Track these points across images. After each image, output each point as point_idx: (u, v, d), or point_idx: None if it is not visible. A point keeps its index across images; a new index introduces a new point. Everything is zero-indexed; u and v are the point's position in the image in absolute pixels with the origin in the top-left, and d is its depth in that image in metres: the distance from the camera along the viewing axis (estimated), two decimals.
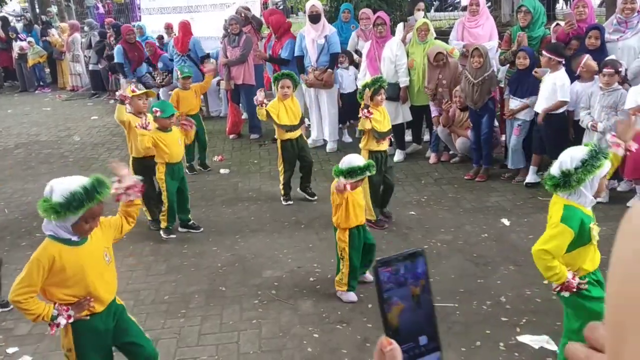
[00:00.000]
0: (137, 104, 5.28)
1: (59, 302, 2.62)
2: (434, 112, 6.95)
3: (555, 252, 2.78)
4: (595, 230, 2.82)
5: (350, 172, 3.85)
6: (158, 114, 5.03)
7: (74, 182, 2.54)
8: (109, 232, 2.81)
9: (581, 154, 2.75)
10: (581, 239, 2.80)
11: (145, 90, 5.56)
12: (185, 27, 9.31)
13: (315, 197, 6.09)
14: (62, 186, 2.53)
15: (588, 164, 2.71)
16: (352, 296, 4.09)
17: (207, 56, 9.52)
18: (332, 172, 3.97)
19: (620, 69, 5.38)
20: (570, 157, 2.78)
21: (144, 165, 5.40)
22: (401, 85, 6.85)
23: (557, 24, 6.77)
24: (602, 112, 5.37)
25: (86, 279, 2.63)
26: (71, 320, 2.63)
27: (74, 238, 2.61)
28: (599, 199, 3.14)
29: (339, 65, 7.61)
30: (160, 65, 9.60)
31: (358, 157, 4.03)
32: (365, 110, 4.96)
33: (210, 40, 10.25)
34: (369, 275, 4.29)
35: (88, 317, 2.67)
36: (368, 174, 3.93)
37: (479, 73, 6.05)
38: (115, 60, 9.48)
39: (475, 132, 6.35)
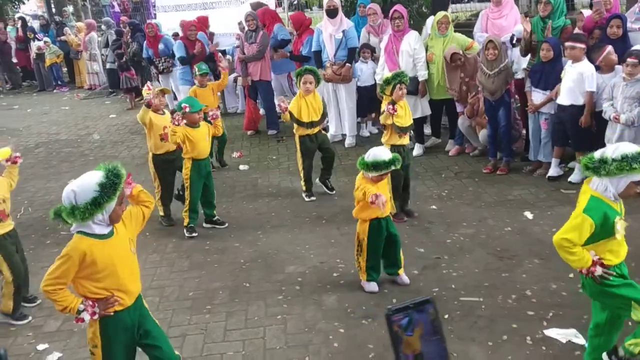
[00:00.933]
0: (154, 102, 5.32)
1: (90, 295, 2.67)
2: (459, 108, 6.91)
3: (575, 241, 2.77)
4: (620, 224, 2.77)
5: (375, 166, 3.84)
6: (187, 109, 5.07)
7: (91, 177, 2.58)
8: (131, 223, 2.85)
9: (627, 150, 2.69)
10: (604, 231, 2.76)
11: (161, 88, 5.59)
12: (197, 24, 9.32)
13: (334, 192, 6.09)
14: (83, 185, 2.56)
15: (626, 161, 2.65)
16: (372, 286, 4.10)
17: (223, 53, 9.55)
18: (357, 164, 3.96)
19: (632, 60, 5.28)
20: (616, 148, 2.73)
21: (163, 161, 5.46)
22: (420, 79, 6.81)
23: (580, 12, 6.69)
24: (624, 103, 5.30)
25: (116, 271, 2.68)
26: (95, 317, 2.67)
27: (104, 231, 2.66)
28: None
29: (360, 58, 7.59)
30: (161, 47, 9.63)
31: (384, 150, 4.00)
32: (390, 107, 4.94)
33: (225, 36, 10.28)
34: (403, 277, 4.23)
35: (112, 314, 2.71)
36: (393, 168, 3.91)
37: (495, 64, 6.01)
38: (177, 55, 8.89)
39: (491, 125, 6.30)
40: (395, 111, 4.93)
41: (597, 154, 2.76)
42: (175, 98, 9.52)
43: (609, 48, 5.49)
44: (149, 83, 5.81)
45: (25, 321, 4.08)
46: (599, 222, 2.73)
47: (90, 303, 2.66)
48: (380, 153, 3.91)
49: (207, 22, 9.95)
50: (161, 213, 5.62)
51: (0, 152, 4.01)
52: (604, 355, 2.99)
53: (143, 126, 5.48)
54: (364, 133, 8.15)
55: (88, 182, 2.56)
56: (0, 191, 3.95)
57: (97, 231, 2.63)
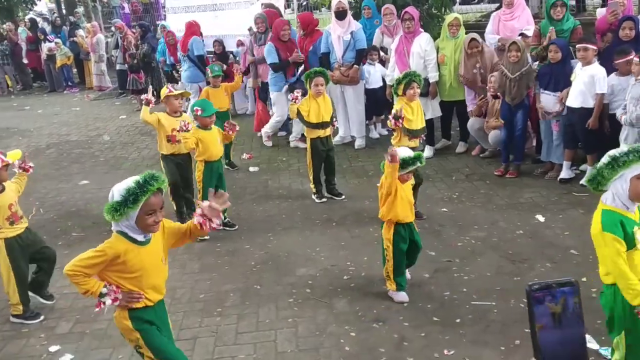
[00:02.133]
0: (173, 104, 5.33)
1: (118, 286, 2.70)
2: (469, 106, 6.88)
3: (619, 266, 2.61)
4: (638, 233, 2.67)
5: (402, 164, 3.80)
6: (199, 112, 5.08)
7: (129, 180, 2.63)
8: (169, 239, 2.85)
9: (613, 151, 2.66)
10: (627, 243, 2.65)
11: (181, 91, 5.61)
12: (190, 28, 9.45)
13: (343, 197, 6.07)
14: (120, 187, 2.62)
15: (614, 160, 2.61)
16: (402, 296, 4.03)
17: (227, 56, 9.55)
18: (381, 166, 3.93)
19: None
20: (607, 154, 2.71)
21: (173, 162, 5.47)
22: (430, 81, 6.80)
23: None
24: (630, 103, 5.25)
25: (143, 279, 2.71)
26: (116, 304, 2.68)
27: (140, 238, 2.69)
28: None
29: (367, 60, 7.58)
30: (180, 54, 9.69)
31: (405, 149, 3.99)
32: (394, 121, 4.94)
33: (235, 38, 10.29)
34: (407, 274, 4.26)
35: (132, 306, 2.74)
36: (419, 164, 3.88)
37: (517, 68, 5.96)
38: (269, 62, 7.72)
39: (507, 128, 6.24)
40: (400, 124, 4.93)
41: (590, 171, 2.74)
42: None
43: (635, 57, 5.34)
44: (169, 85, 5.82)
45: (38, 320, 4.09)
46: (621, 234, 2.63)
47: (114, 288, 2.67)
48: (403, 151, 3.90)
49: (194, 27, 9.81)
50: (175, 208, 5.62)
51: (12, 153, 4.03)
52: None
53: (152, 127, 5.50)
54: (374, 135, 8.13)
55: (123, 184, 2.61)
56: (9, 196, 3.96)
57: (132, 235, 2.67)
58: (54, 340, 3.86)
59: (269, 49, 7.71)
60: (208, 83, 7.37)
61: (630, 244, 2.65)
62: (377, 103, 7.84)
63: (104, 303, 2.66)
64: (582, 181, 5.76)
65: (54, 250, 4.35)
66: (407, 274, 4.25)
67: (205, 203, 2.67)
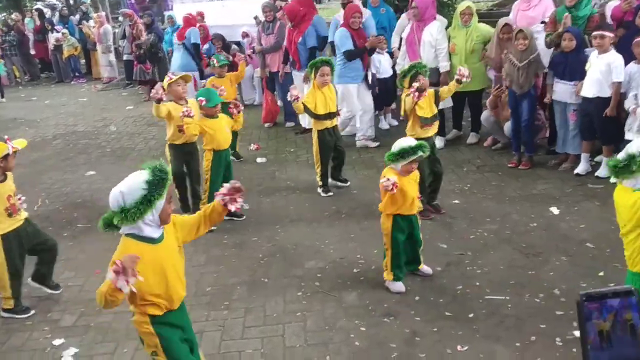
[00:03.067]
0: (175, 90, 5.23)
1: (142, 300, 2.55)
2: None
3: None
4: None
5: (402, 154, 3.72)
6: (203, 103, 4.98)
7: (136, 176, 2.48)
8: (181, 232, 2.74)
9: None
10: None
11: (181, 75, 5.48)
12: (188, 21, 9.47)
13: (348, 183, 6.00)
14: (130, 185, 2.46)
15: None
16: (399, 286, 3.97)
17: (230, 48, 9.44)
18: (385, 158, 3.83)
19: None
20: (638, 144, 2.61)
21: (180, 151, 5.39)
22: (441, 71, 6.66)
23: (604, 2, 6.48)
24: None
25: (167, 277, 2.57)
26: (132, 282, 2.33)
27: (155, 234, 2.55)
28: None
29: (377, 50, 7.43)
30: (206, 47, 9.63)
31: (409, 139, 3.89)
32: (413, 89, 4.74)
33: (241, 28, 10.17)
34: (425, 269, 4.16)
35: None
36: (421, 154, 3.76)
37: (524, 56, 5.82)
38: (344, 49, 6.85)
39: (514, 118, 6.13)
40: (420, 98, 4.76)
41: (621, 155, 2.63)
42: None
43: None
44: (170, 73, 5.72)
45: (28, 315, 4.02)
46: None
47: (116, 266, 2.34)
48: (405, 141, 3.82)
49: (192, 20, 9.80)
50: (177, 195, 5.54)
51: (18, 141, 3.95)
52: None
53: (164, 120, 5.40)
54: (383, 125, 8.00)
55: (135, 181, 2.47)
56: (9, 187, 3.88)
57: (148, 233, 2.52)
58: (58, 333, 3.79)
59: (343, 34, 6.88)
60: (202, 73, 7.29)
61: None
62: (387, 93, 7.71)
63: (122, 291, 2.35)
64: (600, 172, 5.63)
65: (54, 240, 4.26)
66: (428, 269, 4.16)
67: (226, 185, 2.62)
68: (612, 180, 2.81)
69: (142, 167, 2.54)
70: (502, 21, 6.43)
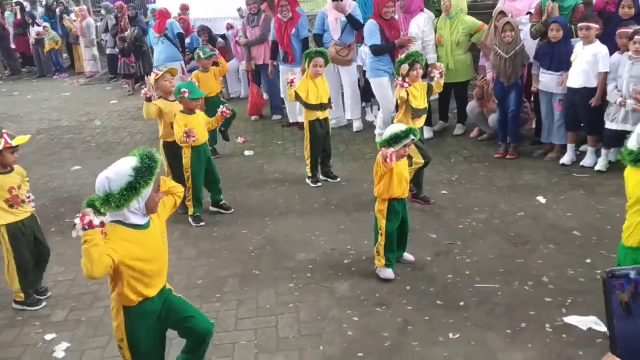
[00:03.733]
0: (163, 86, 5.20)
1: (128, 281, 2.55)
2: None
3: None
4: None
5: (394, 139, 3.73)
6: (186, 94, 4.95)
7: (124, 162, 2.47)
8: (163, 212, 2.75)
9: None
10: None
11: (166, 69, 5.44)
12: (162, 14, 9.25)
13: (338, 179, 5.99)
14: (117, 171, 2.45)
15: None
16: (389, 273, 4.01)
17: (216, 41, 9.38)
18: (377, 145, 3.85)
19: None
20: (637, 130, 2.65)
21: (174, 148, 5.34)
22: (429, 62, 6.68)
23: None
24: (630, 82, 5.18)
25: (149, 264, 2.57)
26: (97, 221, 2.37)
27: (141, 221, 2.54)
28: None
29: (364, 42, 7.42)
30: (187, 41, 9.54)
31: (398, 124, 3.92)
32: (401, 79, 4.81)
33: (226, 20, 10.11)
34: (407, 256, 4.21)
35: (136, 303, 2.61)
36: (412, 137, 3.78)
37: (510, 47, 5.87)
38: (370, 43, 6.62)
39: (501, 108, 6.19)
40: (407, 83, 4.81)
41: (633, 145, 2.66)
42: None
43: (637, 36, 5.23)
44: (155, 69, 5.68)
45: (40, 307, 4.01)
46: None
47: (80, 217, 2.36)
48: (396, 126, 3.85)
49: (164, 12, 9.60)
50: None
51: (20, 138, 3.91)
52: None
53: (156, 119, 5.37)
54: (370, 117, 8.02)
55: (122, 167, 2.45)
56: (12, 180, 3.84)
57: (134, 221, 2.51)
58: (49, 328, 3.77)
59: (371, 27, 6.51)
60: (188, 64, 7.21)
61: None
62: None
63: (94, 224, 2.35)
64: (585, 161, 5.70)
65: (49, 248, 4.19)
66: (410, 256, 4.21)
67: None
68: (597, 168, 2.84)
69: (131, 153, 2.52)
70: (497, 9, 6.46)
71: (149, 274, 2.60)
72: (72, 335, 3.67)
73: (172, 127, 5.13)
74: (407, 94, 4.88)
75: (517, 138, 6.27)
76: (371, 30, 6.53)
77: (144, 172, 2.43)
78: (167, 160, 5.31)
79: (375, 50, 6.57)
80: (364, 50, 7.39)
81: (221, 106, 5.31)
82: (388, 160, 3.67)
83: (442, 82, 5.17)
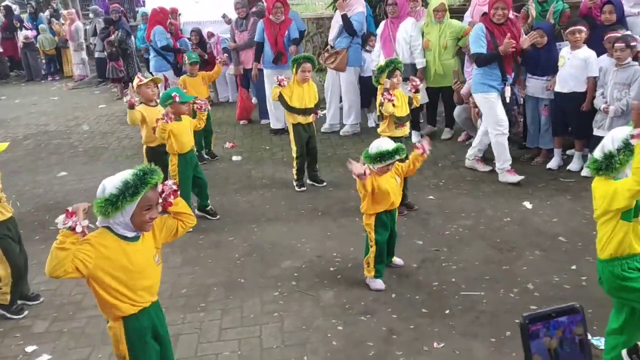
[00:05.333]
0: (145, 92, 5.19)
1: (107, 289, 2.49)
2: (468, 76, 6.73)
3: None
4: None
5: (380, 157, 3.70)
6: (177, 99, 4.92)
7: (125, 173, 2.45)
8: (161, 234, 2.68)
9: (623, 134, 2.61)
10: (627, 212, 2.64)
11: (152, 78, 5.43)
12: (155, 17, 8.95)
13: (324, 184, 5.98)
14: (114, 180, 2.43)
15: (630, 144, 2.55)
16: (379, 284, 3.99)
17: (206, 44, 9.33)
18: (362, 157, 3.82)
19: (633, 44, 5.16)
20: (612, 138, 2.65)
21: (157, 153, 5.33)
22: (418, 67, 6.68)
23: None
24: (614, 89, 5.21)
25: (133, 280, 2.51)
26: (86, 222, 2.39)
27: (130, 234, 2.51)
28: None
29: (365, 47, 7.40)
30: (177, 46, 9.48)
31: (387, 141, 3.85)
32: (386, 93, 4.80)
33: (215, 24, 10.09)
34: (397, 260, 4.21)
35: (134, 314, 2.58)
36: (397, 157, 3.74)
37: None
38: (474, 50, 5.52)
39: None
40: (392, 96, 4.80)
41: (597, 155, 2.66)
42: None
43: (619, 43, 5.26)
44: (139, 74, 5.66)
45: (22, 315, 3.96)
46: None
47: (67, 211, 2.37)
48: (383, 143, 3.78)
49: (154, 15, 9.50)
50: None
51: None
52: (624, 353, 2.90)
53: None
54: (371, 123, 7.95)
55: (118, 177, 2.43)
56: None
57: (121, 232, 2.48)
58: (30, 339, 3.72)
59: (477, 32, 5.48)
60: (180, 71, 7.20)
61: (635, 212, 2.65)
62: (372, 91, 7.71)
63: (76, 230, 2.35)
64: (572, 166, 5.71)
65: (26, 254, 4.13)
66: (399, 261, 4.21)
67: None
68: (583, 173, 2.84)
69: (137, 167, 2.49)
70: (482, 11, 6.45)
71: (131, 287, 2.53)
72: (53, 347, 3.63)
73: (154, 132, 5.12)
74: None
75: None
76: (476, 36, 5.47)
77: (128, 189, 2.39)
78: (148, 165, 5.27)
79: (478, 61, 5.54)
80: (364, 56, 7.30)
81: (195, 99, 5.24)
82: (363, 174, 3.64)
83: (419, 97, 5.15)
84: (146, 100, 5.21)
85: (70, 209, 2.37)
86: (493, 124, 5.62)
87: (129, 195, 2.38)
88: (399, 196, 4.03)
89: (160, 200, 2.59)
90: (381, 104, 4.89)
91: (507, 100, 5.54)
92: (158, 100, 5.32)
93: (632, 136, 2.52)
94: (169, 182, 2.67)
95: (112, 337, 2.63)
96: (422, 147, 3.86)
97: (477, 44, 5.45)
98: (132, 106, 5.05)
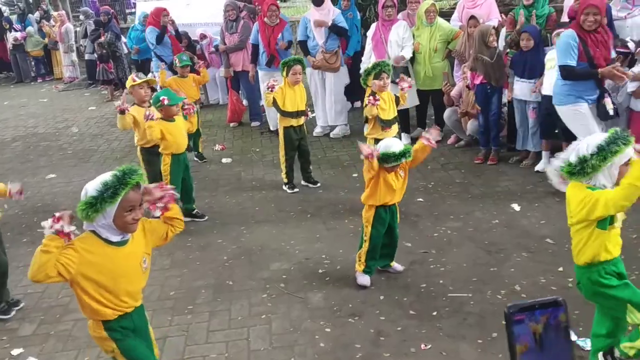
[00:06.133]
0: (138, 93, 5.18)
1: (89, 294, 2.47)
2: (457, 80, 6.78)
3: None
4: (619, 214, 2.68)
5: (386, 158, 3.67)
6: (166, 102, 4.92)
7: (105, 175, 2.44)
8: (151, 238, 2.66)
9: (598, 140, 2.63)
10: (603, 221, 2.66)
11: (146, 79, 5.42)
12: (149, 20, 8.90)
13: (319, 184, 5.99)
14: (94, 182, 2.41)
15: (604, 151, 2.58)
16: (365, 280, 4.00)
17: (195, 47, 9.31)
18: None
19: (621, 50, 5.20)
20: (587, 143, 2.67)
21: (150, 154, 5.33)
22: (402, 53, 6.65)
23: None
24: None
25: (117, 284, 2.49)
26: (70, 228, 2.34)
27: (113, 238, 2.48)
28: None
29: None
30: None
31: (396, 142, 3.79)
32: (372, 97, 4.82)
33: (207, 26, 10.08)
34: (396, 266, 4.19)
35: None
36: (404, 160, 3.70)
37: (493, 52, 5.94)
38: (561, 62, 4.91)
39: (483, 113, 6.21)
40: (378, 100, 4.82)
41: (572, 158, 2.68)
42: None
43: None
44: (134, 74, 5.64)
45: (10, 315, 3.94)
46: None
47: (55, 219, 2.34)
48: (391, 144, 3.72)
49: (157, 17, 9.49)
50: None
51: None
52: (600, 355, 2.92)
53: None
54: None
55: (98, 179, 2.41)
56: None
57: (105, 236, 2.45)
58: (17, 342, 3.69)
59: (567, 41, 4.88)
60: (173, 71, 7.18)
61: (610, 219, 2.67)
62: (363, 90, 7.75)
63: (64, 233, 2.34)
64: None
65: (6, 259, 4.08)
66: (399, 266, 4.19)
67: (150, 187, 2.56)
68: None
69: (118, 168, 2.47)
70: (468, 14, 6.50)
71: (115, 292, 2.52)
72: (40, 350, 3.61)
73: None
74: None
75: (498, 142, 6.32)
76: (567, 46, 4.88)
77: (107, 190, 2.37)
78: (144, 166, 5.28)
79: (568, 75, 4.92)
80: None
81: (183, 102, 5.22)
82: (370, 156, 3.61)
83: (406, 95, 5.20)
84: (139, 101, 5.21)
85: (57, 214, 2.35)
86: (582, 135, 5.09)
87: (108, 196, 2.36)
88: (402, 191, 4.01)
89: (160, 205, 2.58)
90: (366, 105, 4.91)
91: (611, 112, 4.90)
92: (151, 102, 5.31)
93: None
94: (169, 188, 2.64)
95: (94, 338, 2.63)
96: (428, 138, 3.77)
97: (567, 54, 4.88)
98: (122, 112, 5.04)
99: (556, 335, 1.01)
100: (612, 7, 5.85)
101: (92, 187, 2.40)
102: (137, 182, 2.46)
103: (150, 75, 5.47)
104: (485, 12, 6.60)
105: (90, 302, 2.49)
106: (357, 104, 8.40)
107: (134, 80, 5.27)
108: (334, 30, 7.19)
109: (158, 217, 2.68)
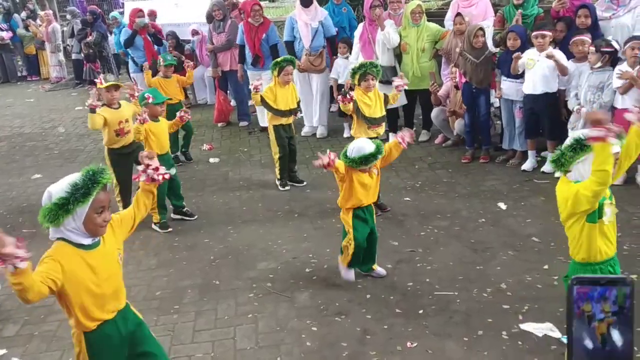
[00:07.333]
0: (105, 96, 5.17)
1: (73, 304, 2.39)
2: (444, 80, 6.80)
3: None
4: (608, 207, 2.71)
5: (364, 160, 3.69)
6: (150, 100, 4.90)
7: (70, 177, 2.35)
8: (120, 231, 2.59)
9: (579, 134, 2.68)
10: (591, 214, 2.69)
11: (113, 82, 5.42)
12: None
13: (304, 183, 6.01)
14: (59, 185, 2.33)
15: (577, 142, 2.64)
16: (350, 275, 4.02)
17: (183, 47, 9.29)
18: (342, 157, 3.79)
19: (606, 49, 5.25)
20: (569, 138, 2.72)
21: (119, 155, 5.32)
22: (392, 42, 6.66)
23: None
24: (588, 91, 5.31)
25: (102, 286, 2.42)
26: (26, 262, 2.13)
27: (84, 241, 2.39)
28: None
29: (338, 54, 7.39)
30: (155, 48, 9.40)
31: (366, 142, 3.80)
32: (341, 97, 4.88)
33: (195, 26, 10.03)
34: (379, 270, 4.16)
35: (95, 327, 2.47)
36: (380, 157, 3.73)
37: (481, 52, 5.96)
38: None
39: (470, 113, 6.24)
40: (350, 100, 4.85)
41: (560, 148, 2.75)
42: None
43: (591, 46, 5.38)
44: (101, 77, 5.62)
45: None
46: None
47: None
48: (364, 146, 3.74)
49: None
50: (120, 209, 5.43)
51: None
52: None
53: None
54: (346, 133, 7.88)
55: (64, 182, 2.32)
56: None
57: (75, 240, 2.36)
58: (0, 343, 3.66)
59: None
60: (154, 73, 7.16)
61: (599, 213, 2.70)
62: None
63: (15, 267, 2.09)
64: (545, 167, 5.78)
65: None
66: (382, 270, 4.16)
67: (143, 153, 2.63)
68: (557, 174, 2.89)
69: (83, 169, 2.44)
70: (455, 13, 6.53)
71: (101, 298, 2.45)
72: (24, 350, 3.58)
73: (117, 135, 5.18)
74: (355, 103, 4.90)
75: (489, 141, 6.35)
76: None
77: (79, 191, 2.29)
78: (112, 168, 5.22)
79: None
80: (341, 63, 7.31)
81: (180, 110, 5.30)
82: (331, 165, 3.65)
83: (398, 96, 5.24)
84: (108, 103, 5.18)
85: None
86: None
87: (80, 196, 2.29)
88: (376, 190, 4.03)
89: (155, 175, 2.66)
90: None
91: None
92: (121, 103, 5.29)
93: (588, 139, 2.57)
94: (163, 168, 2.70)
95: (74, 342, 2.54)
96: (402, 138, 3.82)
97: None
98: (93, 110, 4.99)
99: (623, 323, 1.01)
100: (596, 7, 5.90)
101: (58, 189, 2.31)
102: (106, 182, 2.39)
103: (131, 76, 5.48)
104: (481, 12, 6.61)
105: (74, 311, 2.40)
106: None
107: (101, 83, 5.26)
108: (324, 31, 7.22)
109: (144, 180, 2.68)
